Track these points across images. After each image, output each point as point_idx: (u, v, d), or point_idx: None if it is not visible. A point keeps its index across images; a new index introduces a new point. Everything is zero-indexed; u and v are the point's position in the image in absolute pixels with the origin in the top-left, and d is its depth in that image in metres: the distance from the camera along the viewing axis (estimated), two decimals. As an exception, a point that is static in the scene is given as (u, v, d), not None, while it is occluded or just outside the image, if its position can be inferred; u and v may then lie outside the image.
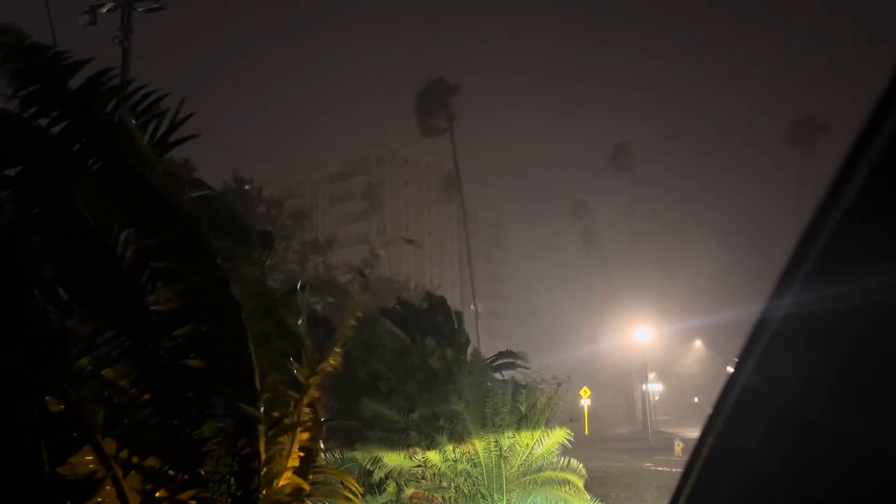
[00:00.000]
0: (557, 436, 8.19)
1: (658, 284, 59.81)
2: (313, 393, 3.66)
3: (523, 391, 8.54)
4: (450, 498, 7.58)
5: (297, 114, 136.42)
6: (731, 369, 0.96)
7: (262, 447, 3.23)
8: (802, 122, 53.88)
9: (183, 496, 3.14)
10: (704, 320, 51.35)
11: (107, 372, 3.04)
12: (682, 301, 58.80)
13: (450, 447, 7.62)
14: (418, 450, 7.62)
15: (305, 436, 3.66)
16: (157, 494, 3.09)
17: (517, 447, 7.86)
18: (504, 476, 7.62)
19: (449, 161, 51.19)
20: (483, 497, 7.58)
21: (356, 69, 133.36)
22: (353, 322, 4.14)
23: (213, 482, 3.20)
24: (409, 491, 7.48)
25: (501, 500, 7.57)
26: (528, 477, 7.81)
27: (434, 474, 7.68)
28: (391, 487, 7.51)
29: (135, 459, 3.02)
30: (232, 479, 3.23)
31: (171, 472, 3.14)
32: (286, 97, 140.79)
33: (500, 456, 7.62)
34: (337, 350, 3.90)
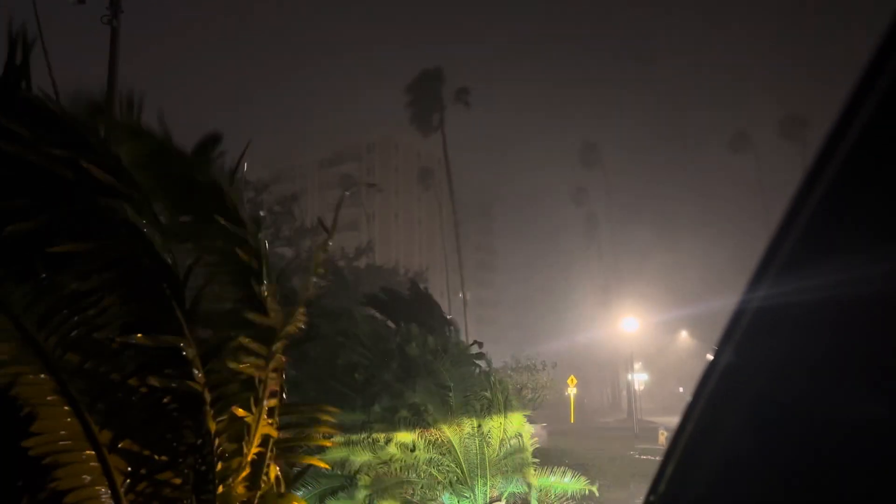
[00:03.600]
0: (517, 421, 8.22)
1: (646, 275, 60.13)
2: (280, 358, 3.57)
3: (493, 378, 8.58)
4: (419, 487, 7.53)
5: (288, 99, 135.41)
6: (710, 357, 0.99)
7: (210, 424, 3.18)
8: (788, 118, 54.36)
9: (163, 476, 3.16)
10: (690, 310, 51.72)
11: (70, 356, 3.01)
12: (669, 291, 59.19)
13: (408, 437, 7.53)
14: (384, 444, 7.51)
15: (273, 402, 3.59)
16: (141, 471, 3.11)
17: (495, 433, 7.88)
18: (487, 461, 7.67)
19: (439, 149, 51.05)
20: (460, 483, 7.60)
21: (347, 56, 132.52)
22: (315, 279, 4.03)
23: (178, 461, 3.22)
24: (365, 480, 7.38)
25: (485, 485, 7.62)
26: (508, 459, 7.85)
27: (401, 467, 7.58)
28: (363, 481, 7.47)
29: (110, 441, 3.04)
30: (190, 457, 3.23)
31: (146, 453, 3.16)
32: (277, 82, 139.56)
33: (483, 442, 7.66)
34: (301, 311, 3.81)
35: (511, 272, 78.96)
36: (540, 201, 75.98)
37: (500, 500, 7.76)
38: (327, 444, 4.21)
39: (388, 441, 7.53)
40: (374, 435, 7.51)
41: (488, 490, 7.66)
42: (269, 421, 3.54)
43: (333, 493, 7.34)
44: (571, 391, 34.06)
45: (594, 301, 59.42)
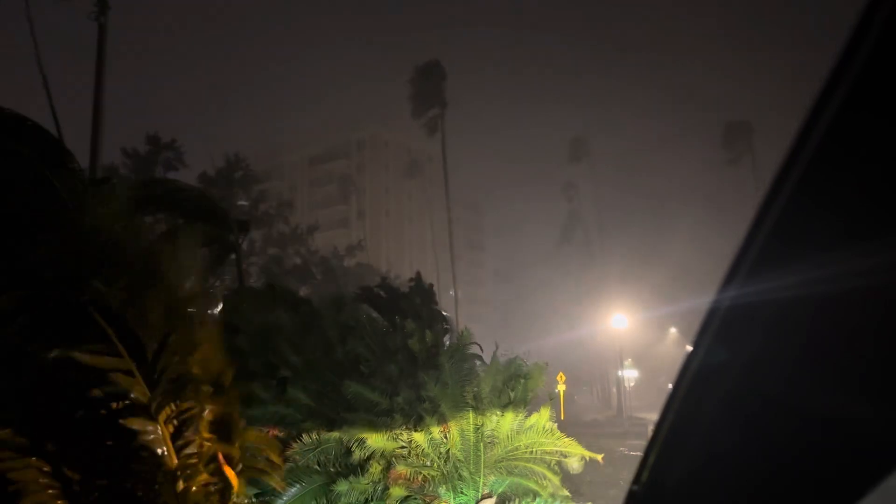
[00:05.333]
0: (542, 418, 8.23)
1: (635, 271, 60.32)
2: (204, 350, 3.60)
3: (519, 375, 8.61)
4: (433, 477, 7.61)
5: (277, 96, 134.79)
6: (689, 348, 1.01)
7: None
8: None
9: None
10: (680, 307, 51.93)
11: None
12: (658, 288, 59.41)
13: (435, 429, 7.65)
14: (403, 431, 7.61)
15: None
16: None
17: (498, 430, 7.91)
18: (482, 459, 7.69)
19: (430, 146, 50.97)
20: (461, 479, 7.64)
21: (335, 53, 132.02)
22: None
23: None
24: (400, 468, 7.48)
25: (479, 481, 7.65)
26: (505, 463, 7.88)
27: (418, 455, 7.68)
28: (374, 468, 7.52)
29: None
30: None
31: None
32: (265, 80, 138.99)
33: (480, 439, 7.69)
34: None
35: (500, 269, 79.05)
36: (529, 198, 76.06)
37: (490, 497, 7.79)
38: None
39: (413, 428, 7.63)
40: (396, 425, 7.60)
41: (480, 486, 7.69)
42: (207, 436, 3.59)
43: (331, 483, 7.36)
44: (560, 388, 34.16)
45: (584, 298, 59.55)
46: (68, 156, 3.69)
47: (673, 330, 59.89)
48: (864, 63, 0.75)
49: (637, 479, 1.12)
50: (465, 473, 7.64)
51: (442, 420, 7.67)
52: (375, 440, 7.41)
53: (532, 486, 7.82)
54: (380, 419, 7.63)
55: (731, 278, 0.90)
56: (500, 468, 7.88)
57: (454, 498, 7.54)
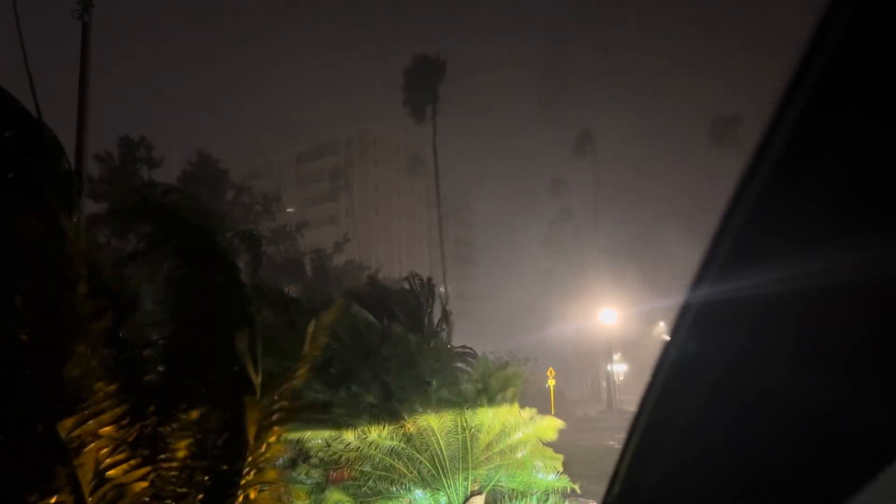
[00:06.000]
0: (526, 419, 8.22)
1: (624, 265, 60.56)
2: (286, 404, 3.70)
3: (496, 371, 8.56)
4: (372, 479, 7.43)
5: (266, 94, 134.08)
6: (666, 337, 1.00)
7: (251, 436, 3.29)
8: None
9: (135, 473, 3.14)
10: (669, 301, 52.17)
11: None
12: (647, 282, 59.68)
13: (375, 428, 7.40)
14: (343, 430, 7.37)
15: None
16: (107, 473, 3.07)
17: (484, 430, 7.87)
18: (470, 457, 7.67)
19: (418, 143, 50.91)
20: (434, 478, 7.56)
21: (324, 51, 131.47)
22: (319, 343, 4.06)
23: (179, 468, 3.22)
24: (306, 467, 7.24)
25: (466, 480, 7.63)
26: (495, 455, 7.87)
27: (357, 457, 7.46)
28: (317, 473, 7.38)
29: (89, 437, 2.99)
30: (200, 464, 3.26)
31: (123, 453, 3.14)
32: (254, 78, 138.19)
33: (466, 436, 7.66)
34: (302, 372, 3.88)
35: (490, 265, 79.19)
36: (519, 193, 76.14)
37: (480, 494, 7.78)
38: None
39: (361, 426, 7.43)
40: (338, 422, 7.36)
41: (469, 485, 7.67)
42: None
43: None
44: (550, 383, 34.27)
45: (573, 293, 59.71)
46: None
47: (662, 324, 60.18)
48: (834, 53, 0.74)
49: (609, 492, 1.10)
50: (447, 472, 7.60)
51: (398, 418, 7.50)
52: (315, 436, 7.19)
53: (524, 478, 7.80)
54: (320, 416, 7.35)
55: (703, 274, 0.89)
56: (489, 463, 7.86)
57: (432, 497, 7.48)
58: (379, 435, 7.43)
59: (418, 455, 7.57)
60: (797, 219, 0.82)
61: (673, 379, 0.99)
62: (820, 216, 0.80)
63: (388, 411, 7.57)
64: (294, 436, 7.01)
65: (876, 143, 0.74)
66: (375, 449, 7.46)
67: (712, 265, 0.88)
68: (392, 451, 7.53)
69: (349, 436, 7.36)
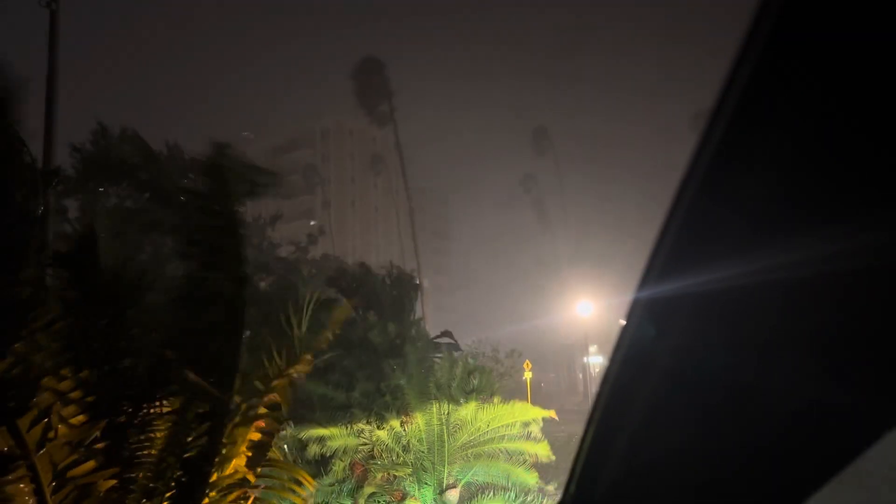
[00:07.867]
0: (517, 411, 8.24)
1: (600, 258, 61.00)
2: (273, 397, 3.71)
3: (476, 367, 8.59)
4: (406, 473, 7.55)
5: (238, 84, 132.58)
6: (622, 322, 1.00)
7: (225, 434, 3.26)
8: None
9: (100, 474, 3.06)
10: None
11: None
12: (623, 273, 60.14)
13: (396, 422, 7.59)
14: (364, 426, 7.52)
15: (257, 434, 3.68)
16: (68, 473, 2.99)
17: (464, 420, 7.89)
18: (447, 450, 7.68)
19: (393, 134, 50.71)
20: (425, 470, 7.62)
21: (297, 43, 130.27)
22: (330, 336, 4.15)
23: (150, 463, 3.15)
24: (373, 467, 7.34)
25: (442, 471, 7.65)
26: (473, 450, 7.88)
27: (381, 452, 7.62)
28: (338, 467, 7.43)
29: (50, 434, 2.91)
30: (173, 461, 3.20)
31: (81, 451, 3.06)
32: (227, 66, 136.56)
33: (444, 429, 7.68)
34: (308, 358, 3.91)
35: (466, 259, 79.28)
36: (493, 188, 76.25)
37: (455, 487, 7.79)
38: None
39: (375, 423, 7.52)
40: (355, 419, 7.48)
41: (445, 477, 7.69)
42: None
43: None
44: (527, 376, 34.46)
45: (549, 286, 60.02)
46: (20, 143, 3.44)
47: (637, 316, 60.70)
48: (765, 45, 0.72)
49: (566, 490, 1.09)
50: (427, 464, 7.62)
51: (403, 411, 7.62)
52: (337, 439, 7.29)
53: (501, 468, 7.84)
54: (338, 414, 7.52)
55: (649, 271, 0.89)
56: (467, 455, 7.89)
57: (419, 489, 7.52)
58: (400, 430, 7.54)
59: (420, 447, 7.63)
60: (740, 213, 0.82)
61: (625, 372, 0.98)
62: (763, 209, 0.79)
63: (400, 404, 7.65)
64: (317, 433, 7.12)
65: (802, 138, 0.74)
66: (396, 443, 7.54)
67: (659, 260, 0.88)
68: (407, 445, 7.61)
69: (382, 434, 7.47)
